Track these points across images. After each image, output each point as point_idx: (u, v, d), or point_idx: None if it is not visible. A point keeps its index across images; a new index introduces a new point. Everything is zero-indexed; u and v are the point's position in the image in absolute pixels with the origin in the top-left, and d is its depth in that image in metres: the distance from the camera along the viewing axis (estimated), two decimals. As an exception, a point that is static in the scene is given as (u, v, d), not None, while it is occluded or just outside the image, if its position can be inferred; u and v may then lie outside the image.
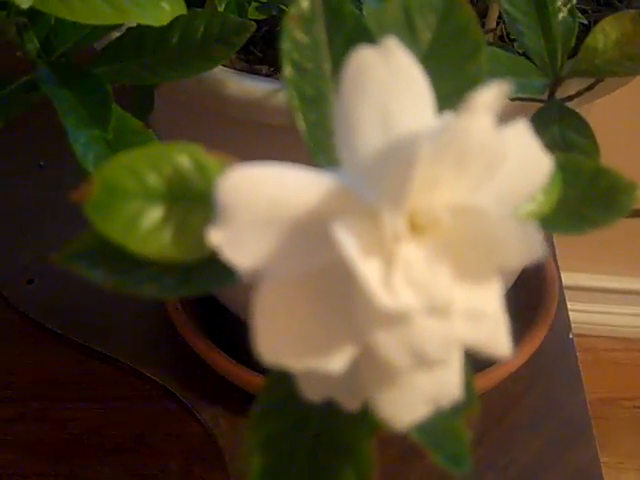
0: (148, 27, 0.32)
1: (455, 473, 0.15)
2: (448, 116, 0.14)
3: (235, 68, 0.47)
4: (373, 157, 0.14)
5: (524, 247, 0.13)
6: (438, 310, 0.13)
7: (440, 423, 0.16)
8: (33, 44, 0.34)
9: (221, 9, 0.52)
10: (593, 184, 0.18)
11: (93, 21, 0.30)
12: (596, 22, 0.48)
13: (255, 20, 0.55)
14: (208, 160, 0.16)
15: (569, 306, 0.77)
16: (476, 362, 0.51)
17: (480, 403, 0.56)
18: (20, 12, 0.31)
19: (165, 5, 0.31)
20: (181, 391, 0.68)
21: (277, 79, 0.52)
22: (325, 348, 0.13)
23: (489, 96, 0.13)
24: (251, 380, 0.60)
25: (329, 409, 0.16)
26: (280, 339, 0.13)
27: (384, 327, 0.13)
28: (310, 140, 0.17)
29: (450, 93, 0.20)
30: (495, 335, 0.14)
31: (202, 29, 0.37)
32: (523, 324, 0.67)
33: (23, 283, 0.80)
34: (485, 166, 0.13)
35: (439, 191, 0.14)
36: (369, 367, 0.14)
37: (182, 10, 0.32)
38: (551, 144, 0.30)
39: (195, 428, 0.67)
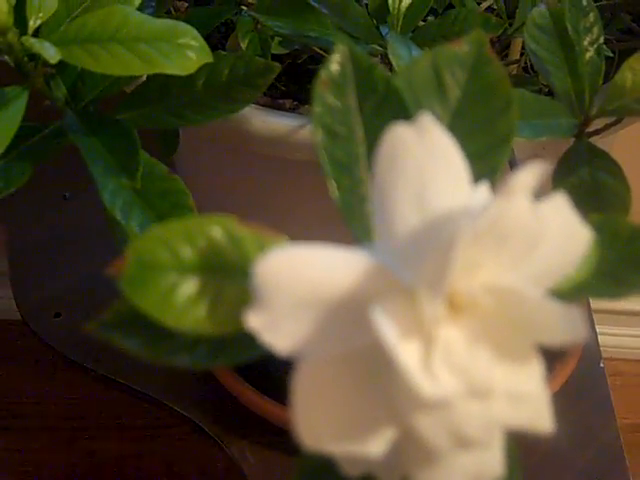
0: (174, 73, 0.32)
1: None
2: (486, 197, 0.14)
3: (259, 103, 0.47)
4: (410, 236, 0.14)
5: (563, 327, 0.13)
6: (479, 393, 0.13)
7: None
8: (61, 92, 0.35)
9: (244, 45, 0.53)
10: (631, 246, 0.18)
11: (120, 72, 0.30)
12: (621, 52, 0.47)
13: (278, 55, 0.55)
14: (242, 232, 0.16)
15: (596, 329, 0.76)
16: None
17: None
18: (48, 62, 0.31)
19: (191, 54, 0.31)
20: (209, 424, 0.68)
21: (300, 113, 0.52)
22: (365, 432, 0.13)
23: (527, 178, 0.13)
24: (278, 413, 0.60)
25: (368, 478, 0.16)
26: (320, 423, 0.13)
27: (424, 411, 0.13)
28: (343, 206, 0.17)
29: (481, 151, 0.20)
30: (537, 415, 0.14)
31: (227, 72, 0.37)
32: (553, 354, 0.66)
33: (50, 316, 0.81)
34: (524, 247, 0.13)
35: (477, 272, 0.13)
36: (409, 447, 0.14)
37: (208, 58, 0.32)
38: (580, 185, 0.30)
39: (223, 460, 0.67)
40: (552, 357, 0.66)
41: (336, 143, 0.18)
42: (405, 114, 0.18)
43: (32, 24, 0.31)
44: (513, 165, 0.33)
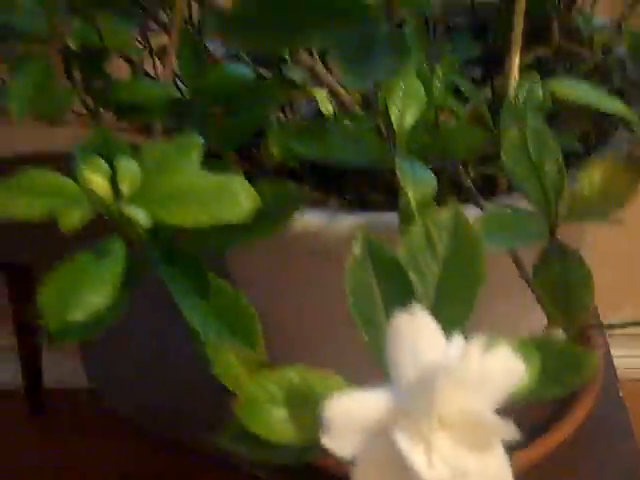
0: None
1: None
2: (457, 349, 0.24)
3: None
4: (412, 383, 0.24)
5: (505, 432, 0.23)
6: (461, 475, 0.23)
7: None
8: (144, 235, 0.45)
9: (275, 152, 0.64)
10: (564, 356, 0.28)
11: (191, 224, 0.41)
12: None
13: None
14: (312, 376, 0.26)
15: (624, 352, 0.84)
16: (530, 430, 0.60)
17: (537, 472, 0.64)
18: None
19: (243, 202, 0.42)
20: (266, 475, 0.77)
21: (330, 205, 0.62)
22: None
23: (478, 345, 0.23)
24: (333, 465, 0.69)
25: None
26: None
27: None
28: (370, 347, 0.28)
29: (460, 287, 0.30)
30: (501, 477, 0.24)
31: (267, 200, 0.48)
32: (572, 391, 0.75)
33: (121, 390, 0.92)
34: (479, 384, 0.23)
35: (453, 400, 0.23)
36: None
37: (256, 202, 0.42)
38: (555, 280, 0.40)
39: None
40: (571, 394, 0.75)
41: (363, 304, 0.28)
42: (405, 279, 0.29)
43: (124, 192, 0.42)
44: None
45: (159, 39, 0.69)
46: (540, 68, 0.68)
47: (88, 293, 0.40)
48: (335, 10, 0.41)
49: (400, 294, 0.28)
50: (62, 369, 1.45)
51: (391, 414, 0.24)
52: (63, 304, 0.40)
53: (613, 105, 0.44)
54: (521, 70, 0.61)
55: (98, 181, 0.41)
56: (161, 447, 0.92)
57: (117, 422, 0.96)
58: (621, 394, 0.79)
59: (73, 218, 0.40)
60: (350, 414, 0.24)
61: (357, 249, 0.29)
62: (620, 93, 0.64)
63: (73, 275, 0.41)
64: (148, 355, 0.89)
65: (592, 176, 0.43)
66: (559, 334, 0.41)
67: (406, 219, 0.47)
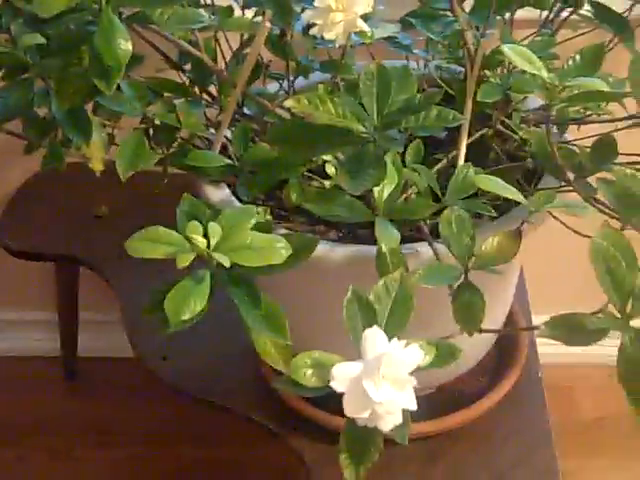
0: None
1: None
2: (392, 347, 0.55)
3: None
4: (371, 359, 0.55)
5: (412, 383, 0.54)
6: (392, 399, 0.54)
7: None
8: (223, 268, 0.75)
9: (294, 198, 0.93)
10: (447, 348, 0.59)
11: (251, 264, 0.72)
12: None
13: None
14: (325, 354, 0.58)
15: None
16: (464, 397, 0.99)
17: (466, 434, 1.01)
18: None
19: (283, 252, 0.73)
20: (279, 430, 1.09)
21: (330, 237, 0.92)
22: (363, 411, 0.55)
23: (402, 344, 0.55)
24: (329, 420, 1.01)
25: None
26: (352, 408, 0.55)
27: (377, 404, 0.54)
28: (355, 342, 0.59)
29: (403, 323, 0.62)
30: (410, 402, 0.55)
31: (293, 246, 0.78)
32: (501, 367, 1.07)
33: (159, 359, 1.24)
34: (400, 362, 0.55)
35: (388, 368, 0.55)
36: (375, 414, 0.55)
37: (290, 251, 0.73)
38: (462, 304, 0.71)
39: (288, 457, 1.09)
40: (500, 369, 1.06)
41: (352, 323, 0.60)
42: (373, 309, 0.60)
43: (212, 243, 0.72)
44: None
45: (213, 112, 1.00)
46: (482, 144, 0.99)
47: (194, 303, 0.71)
48: (338, 137, 0.73)
49: (370, 317, 0.59)
50: (94, 343, 1.79)
51: (362, 372, 0.55)
52: (180, 309, 0.71)
53: (514, 195, 0.75)
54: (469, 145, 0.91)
55: (198, 238, 0.71)
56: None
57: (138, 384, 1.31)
58: (540, 374, 1.11)
59: (184, 260, 0.70)
60: (344, 372, 0.55)
61: (349, 295, 0.60)
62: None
63: (183, 292, 0.72)
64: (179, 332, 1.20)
65: (492, 242, 0.74)
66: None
67: (380, 260, 0.78)
